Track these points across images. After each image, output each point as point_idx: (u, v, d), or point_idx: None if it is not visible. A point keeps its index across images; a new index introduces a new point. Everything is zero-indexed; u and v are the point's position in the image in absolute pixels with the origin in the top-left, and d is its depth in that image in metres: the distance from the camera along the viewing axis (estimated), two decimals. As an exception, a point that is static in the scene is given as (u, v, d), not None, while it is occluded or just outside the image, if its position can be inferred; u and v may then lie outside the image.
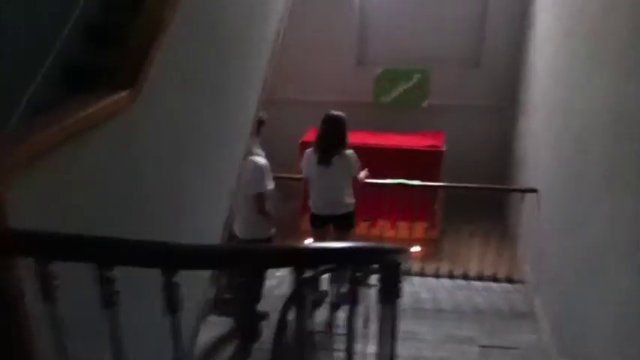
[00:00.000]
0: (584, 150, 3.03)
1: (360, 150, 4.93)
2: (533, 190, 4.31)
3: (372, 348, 2.02)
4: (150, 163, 1.73)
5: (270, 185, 3.27)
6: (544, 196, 4.11)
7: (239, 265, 1.14)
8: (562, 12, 3.89)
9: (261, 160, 3.28)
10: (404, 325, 4.07)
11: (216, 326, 3.90)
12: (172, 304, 1.11)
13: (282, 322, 2.75)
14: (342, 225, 3.95)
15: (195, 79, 2.06)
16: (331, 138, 3.68)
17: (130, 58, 1.58)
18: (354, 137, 5.66)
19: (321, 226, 3.97)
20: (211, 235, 2.13)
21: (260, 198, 3.18)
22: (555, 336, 3.45)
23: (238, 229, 3.49)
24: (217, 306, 4.10)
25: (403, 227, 4.82)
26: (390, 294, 1.34)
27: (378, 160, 4.35)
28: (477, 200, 5.56)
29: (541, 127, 4.47)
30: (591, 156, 2.87)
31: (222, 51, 2.31)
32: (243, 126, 2.79)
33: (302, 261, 1.21)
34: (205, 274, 1.15)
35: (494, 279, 4.69)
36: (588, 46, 3.04)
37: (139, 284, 1.25)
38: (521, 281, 4.62)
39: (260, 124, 3.44)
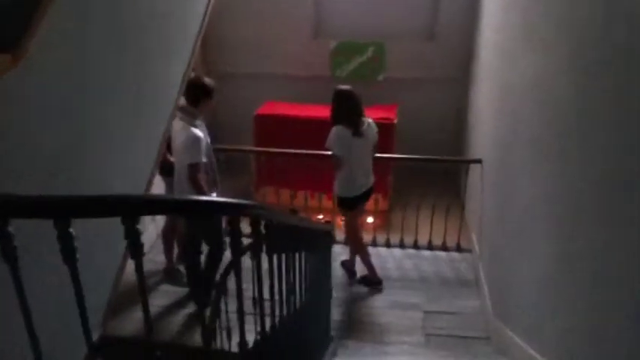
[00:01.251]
0: (516, 123, 3.10)
1: (315, 123, 4.94)
2: (478, 161, 4.40)
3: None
4: (43, 127, 1.69)
5: (204, 159, 3.25)
6: (486, 168, 4.20)
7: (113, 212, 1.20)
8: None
9: (197, 132, 3.24)
10: (354, 292, 4.23)
11: (168, 294, 3.97)
12: (68, 253, 1.18)
13: (219, 287, 2.80)
14: (368, 197, 4.10)
15: (102, 39, 1.95)
16: (357, 110, 3.85)
17: (16, 19, 1.55)
18: (309, 110, 5.68)
19: (357, 206, 4.07)
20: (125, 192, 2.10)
21: (193, 168, 3.17)
22: (492, 301, 3.58)
23: None
24: (168, 275, 4.15)
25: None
26: (257, 246, 1.43)
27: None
28: (430, 172, 5.65)
29: (485, 100, 4.53)
30: (520, 130, 2.94)
31: (136, 8, 2.22)
32: (164, 87, 2.64)
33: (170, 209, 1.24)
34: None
35: (444, 248, 4.81)
36: (525, 18, 3.07)
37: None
38: (468, 250, 4.74)
39: (204, 92, 3.29)
